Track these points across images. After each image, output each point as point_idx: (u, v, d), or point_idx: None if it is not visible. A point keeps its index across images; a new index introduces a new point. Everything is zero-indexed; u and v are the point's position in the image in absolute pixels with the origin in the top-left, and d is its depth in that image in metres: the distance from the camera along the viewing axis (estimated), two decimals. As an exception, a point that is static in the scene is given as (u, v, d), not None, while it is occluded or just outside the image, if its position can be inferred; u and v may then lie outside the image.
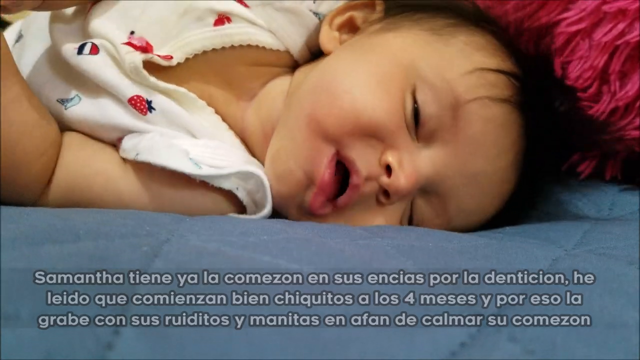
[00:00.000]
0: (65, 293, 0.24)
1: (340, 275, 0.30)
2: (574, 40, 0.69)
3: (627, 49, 0.66)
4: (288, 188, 0.49)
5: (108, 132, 0.53)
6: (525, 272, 0.33)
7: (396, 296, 0.28)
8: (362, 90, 0.48)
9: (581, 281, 0.32)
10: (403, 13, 0.55)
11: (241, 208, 0.52)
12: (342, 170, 0.49)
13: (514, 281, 0.31)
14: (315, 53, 0.58)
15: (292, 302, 0.26)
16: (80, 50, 0.52)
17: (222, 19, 0.53)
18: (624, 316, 0.28)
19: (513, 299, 0.29)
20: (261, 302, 0.26)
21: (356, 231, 0.43)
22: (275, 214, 0.53)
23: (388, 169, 0.47)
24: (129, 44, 0.51)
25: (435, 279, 0.30)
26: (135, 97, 0.51)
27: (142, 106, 0.51)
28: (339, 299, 0.26)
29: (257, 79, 0.56)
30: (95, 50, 0.52)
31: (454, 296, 0.28)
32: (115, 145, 0.54)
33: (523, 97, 0.52)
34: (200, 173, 0.48)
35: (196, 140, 0.52)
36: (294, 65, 0.59)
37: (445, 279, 0.31)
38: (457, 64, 0.50)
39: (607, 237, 0.44)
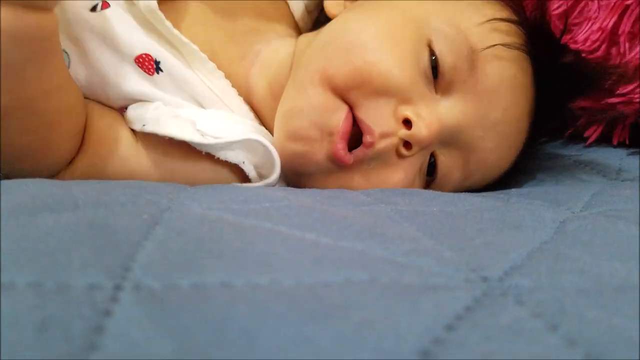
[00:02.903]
0: (62, 261, 0.24)
1: (342, 241, 0.29)
2: (582, 1, 0.68)
3: (638, 9, 0.64)
4: (303, 146, 0.48)
5: (112, 99, 0.51)
6: (532, 236, 0.32)
7: (399, 261, 0.27)
8: (374, 45, 0.47)
9: (590, 243, 0.31)
10: None
11: (247, 180, 0.52)
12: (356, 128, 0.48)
13: (521, 244, 0.31)
14: (316, 23, 0.57)
15: (294, 267, 0.25)
16: (93, 9, 0.50)
17: None
18: (633, 278, 0.27)
19: (519, 263, 0.28)
20: (262, 267, 0.25)
21: (359, 197, 0.42)
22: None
23: (406, 123, 0.47)
24: None
25: (439, 243, 0.30)
26: (143, 56, 0.50)
27: (150, 65, 0.50)
28: (341, 264, 0.26)
29: (261, 36, 0.55)
30: (106, 5, 0.50)
31: (459, 260, 0.28)
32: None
33: (531, 47, 0.52)
34: (206, 142, 0.47)
35: (202, 111, 0.51)
36: (297, 31, 0.58)
37: (450, 243, 0.30)
38: (469, 16, 0.50)
39: (616, 200, 0.43)
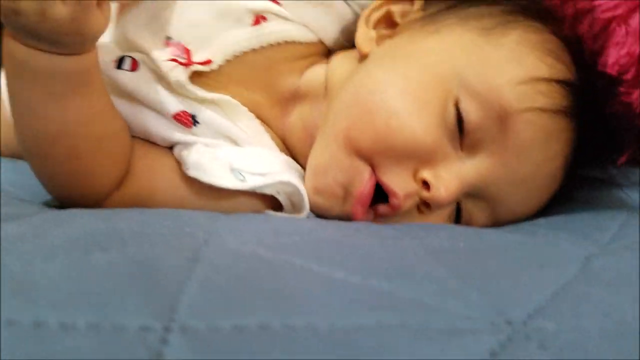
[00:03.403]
0: (116, 302, 0.26)
1: (371, 279, 0.31)
2: (609, 26, 0.68)
3: (662, 36, 0.64)
4: (326, 201, 0.51)
5: (155, 140, 0.54)
6: (556, 276, 0.33)
7: (427, 303, 0.28)
8: (398, 109, 0.48)
9: (614, 283, 0.32)
10: (444, 9, 0.54)
11: (279, 207, 0.54)
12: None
13: (545, 284, 0.32)
14: (351, 41, 0.57)
15: (328, 309, 0.27)
16: (119, 64, 0.52)
17: (258, 18, 0.54)
18: (656, 321, 0.28)
19: (543, 304, 0.29)
20: (297, 308, 0.27)
21: (386, 231, 0.44)
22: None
23: (425, 184, 0.48)
24: (173, 60, 0.51)
25: (466, 283, 0.31)
26: (180, 113, 0.52)
27: (187, 120, 0.53)
28: (372, 307, 0.27)
29: (295, 73, 0.57)
30: (135, 65, 0.52)
31: (484, 302, 0.29)
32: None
33: (574, 104, 0.50)
34: (244, 187, 0.50)
35: (238, 149, 0.54)
36: (328, 51, 0.59)
37: (476, 283, 0.31)
38: (507, 70, 0.48)
39: (643, 231, 0.44)
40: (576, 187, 0.58)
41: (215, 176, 0.50)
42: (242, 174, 0.51)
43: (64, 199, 0.51)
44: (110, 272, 0.29)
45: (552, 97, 0.49)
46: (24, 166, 0.52)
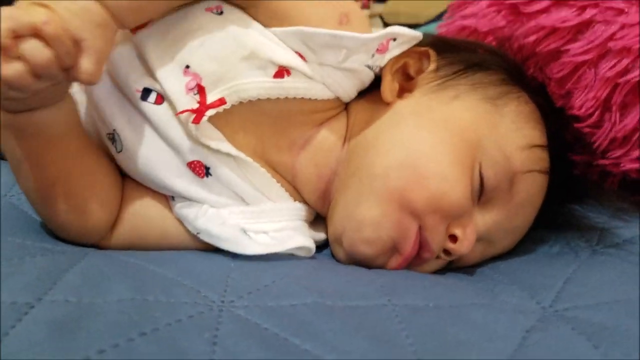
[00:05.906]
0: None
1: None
2: (580, 69, 0.74)
3: (628, 86, 0.70)
4: (375, 251, 0.58)
5: (158, 188, 0.58)
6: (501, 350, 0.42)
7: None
8: (448, 176, 0.56)
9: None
10: (455, 73, 0.62)
11: None
12: None
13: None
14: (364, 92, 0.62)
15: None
16: (144, 96, 0.55)
17: (282, 71, 0.55)
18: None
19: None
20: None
21: (374, 282, 0.52)
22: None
23: (452, 237, 0.57)
24: (187, 110, 0.54)
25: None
26: (195, 162, 0.56)
27: (201, 170, 0.57)
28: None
29: (310, 124, 0.61)
30: (160, 100, 0.55)
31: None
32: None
33: (551, 163, 0.62)
34: (262, 252, 0.56)
35: (245, 208, 0.59)
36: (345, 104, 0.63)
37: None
38: (513, 138, 0.59)
39: (584, 293, 0.52)
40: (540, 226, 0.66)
41: (230, 242, 0.56)
42: (248, 234, 0.57)
43: (65, 237, 0.56)
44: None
45: (544, 159, 0.62)
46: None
